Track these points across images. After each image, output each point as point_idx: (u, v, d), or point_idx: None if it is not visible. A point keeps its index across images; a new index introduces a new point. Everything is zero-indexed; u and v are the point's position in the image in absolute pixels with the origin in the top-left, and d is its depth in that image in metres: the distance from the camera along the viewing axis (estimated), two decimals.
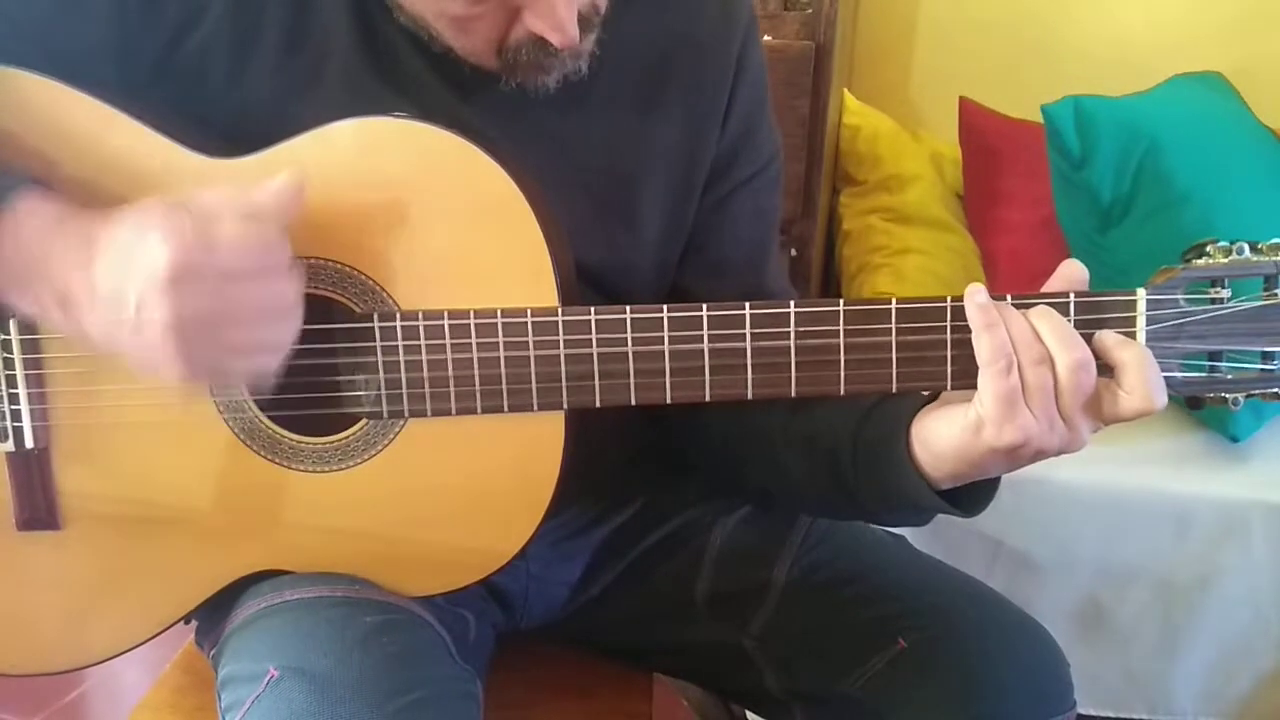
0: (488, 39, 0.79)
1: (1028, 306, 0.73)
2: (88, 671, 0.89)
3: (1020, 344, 0.71)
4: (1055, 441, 0.72)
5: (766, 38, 1.75)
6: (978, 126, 2.01)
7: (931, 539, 1.56)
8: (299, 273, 0.72)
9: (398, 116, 0.77)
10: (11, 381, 0.80)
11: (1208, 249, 0.74)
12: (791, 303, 0.75)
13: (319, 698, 0.72)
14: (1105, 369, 0.72)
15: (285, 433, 0.81)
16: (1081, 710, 0.91)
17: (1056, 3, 2.09)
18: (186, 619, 0.88)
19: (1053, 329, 0.71)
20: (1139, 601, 1.57)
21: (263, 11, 0.81)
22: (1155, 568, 1.55)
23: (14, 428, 0.80)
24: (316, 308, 0.78)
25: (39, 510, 0.82)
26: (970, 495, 0.79)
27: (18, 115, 0.77)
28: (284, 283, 0.71)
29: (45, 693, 1.56)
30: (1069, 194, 1.77)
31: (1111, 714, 1.62)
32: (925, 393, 0.79)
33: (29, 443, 0.81)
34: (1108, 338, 0.73)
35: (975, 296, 0.72)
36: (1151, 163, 1.69)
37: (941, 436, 0.75)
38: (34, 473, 0.81)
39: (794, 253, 1.85)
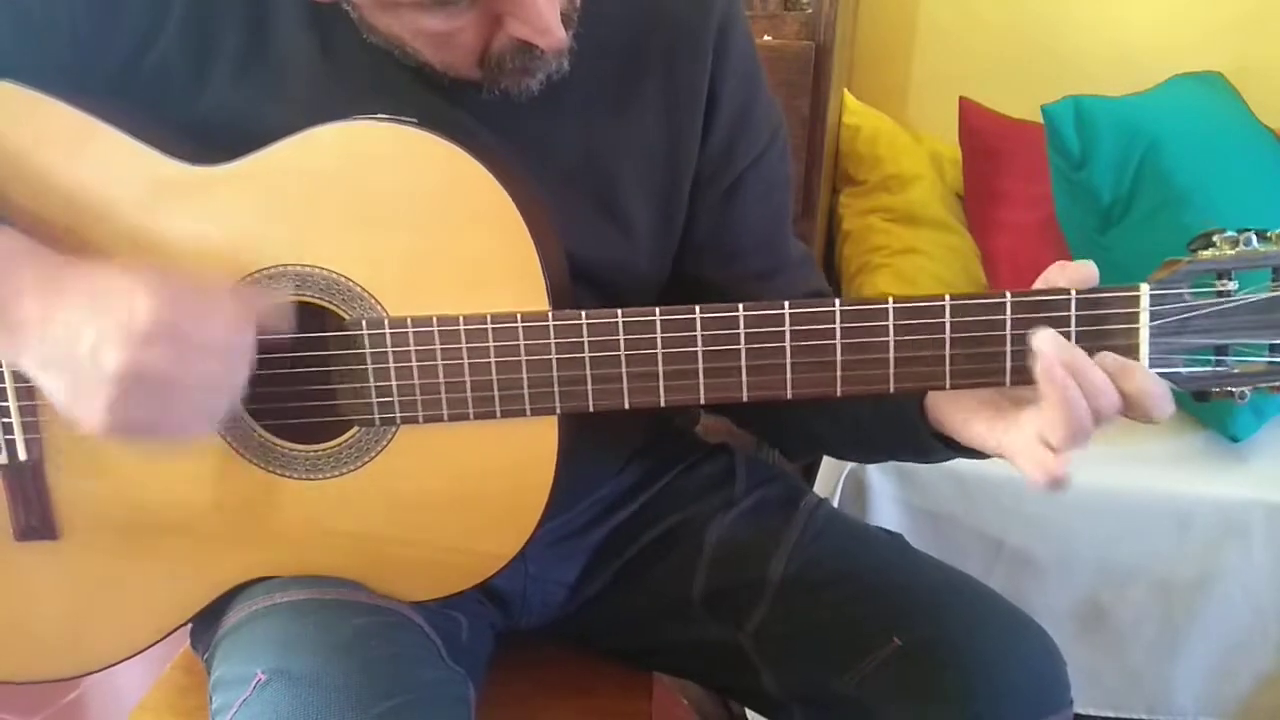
0: (469, 51, 0.78)
1: (1029, 304, 0.73)
2: None
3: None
4: None
5: (766, 38, 1.75)
6: (978, 126, 2.01)
7: (931, 538, 1.56)
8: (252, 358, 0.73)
9: (380, 120, 0.76)
10: (1, 395, 0.80)
11: (1214, 239, 0.72)
12: (786, 304, 0.74)
13: (304, 701, 0.72)
14: None
15: (277, 440, 0.81)
16: (1081, 710, 0.91)
17: (1057, 3, 2.09)
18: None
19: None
20: (1139, 601, 1.57)
21: (217, 33, 0.81)
22: (1155, 568, 1.55)
23: (5, 440, 0.80)
24: (305, 315, 0.78)
25: (35, 520, 0.82)
26: None
27: None
28: (244, 365, 0.71)
29: (45, 693, 1.56)
30: (1069, 194, 1.77)
31: (1111, 714, 1.61)
32: None
33: (21, 455, 0.81)
34: (1110, 365, 0.71)
35: (1052, 367, 0.70)
36: (1151, 163, 1.69)
37: (959, 434, 0.78)
38: (29, 484, 0.81)
39: None
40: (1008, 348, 0.73)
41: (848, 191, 2.11)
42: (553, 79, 0.81)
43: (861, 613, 0.89)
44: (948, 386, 0.75)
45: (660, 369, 0.76)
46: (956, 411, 0.78)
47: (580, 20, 0.81)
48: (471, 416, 0.78)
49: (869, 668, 0.87)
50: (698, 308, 0.75)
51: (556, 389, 0.77)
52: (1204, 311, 0.72)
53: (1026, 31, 2.10)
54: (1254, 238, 0.72)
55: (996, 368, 0.74)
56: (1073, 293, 0.72)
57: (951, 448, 0.81)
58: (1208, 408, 1.60)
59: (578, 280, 0.83)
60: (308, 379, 0.79)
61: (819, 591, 0.92)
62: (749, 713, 1.10)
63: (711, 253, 0.93)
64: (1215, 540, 1.53)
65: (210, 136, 0.79)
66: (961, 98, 2.02)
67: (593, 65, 0.84)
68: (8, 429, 0.80)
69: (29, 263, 0.71)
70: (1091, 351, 0.71)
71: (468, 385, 0.77)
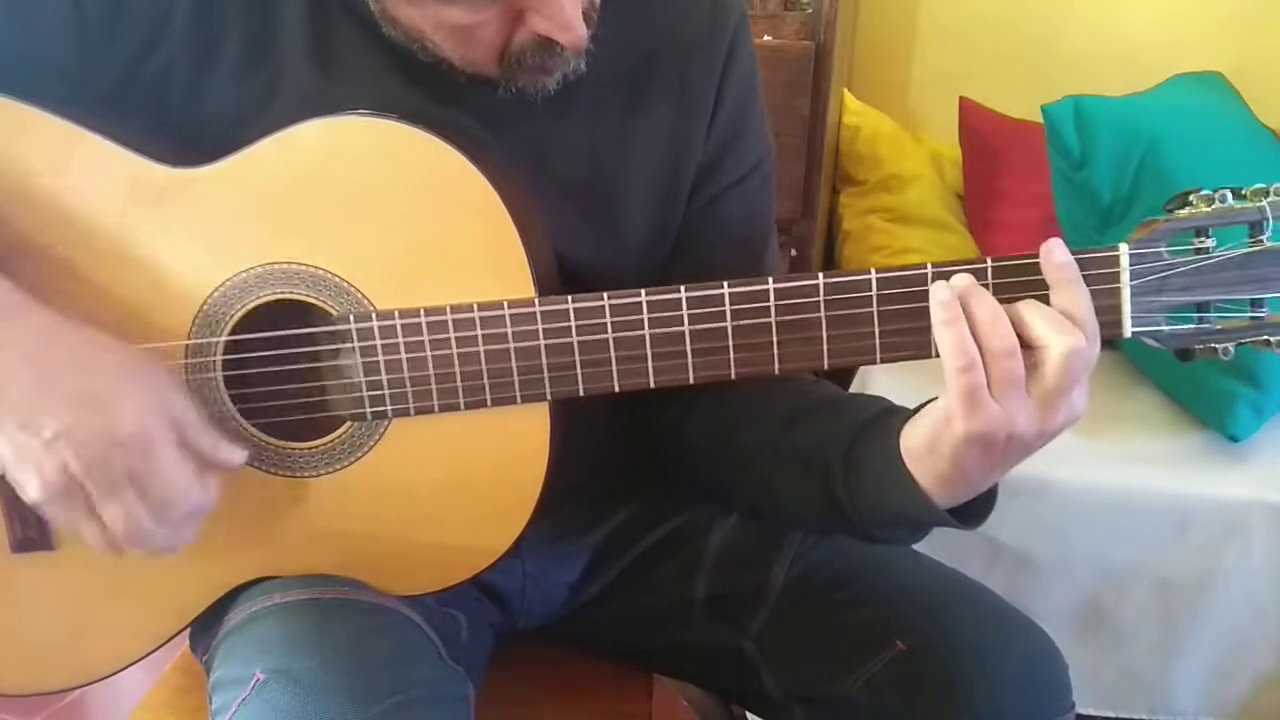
0: (490, 46, 0.78)
1: (1011, 269, 0.73)
2: None
3: (984, 336, 0.70)
4: (1033, 428, 0.71)
5: (766, 38, 1.75)
6: (978, 126, 2.01)
7: (931, 540, 1.54)
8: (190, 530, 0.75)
9: (361, 115, 0.77)
10: None
11: (1190, 198, 0.72)
12: (770, 279, 0.75)
13: (304, 700, 0.72)
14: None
15: (271, 439, 0.81)
16: (1081, 710, 0.90)
17: (1057, 2, 2.10)
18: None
19: (1045, 319, 0.70)
20: (1139, 601, 1.57)
21: (221, 34, 0.81)
22: (1155, 568, 1.55)
23: None
24: (293, 312, 0.78)
25: (32, 531, 0.81)
26: (967, 508, 0.78)
27: None
28: (187, 531, 0.75)
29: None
30: (1069, 194, 1.77)
31: (1111, 714, 1.61)
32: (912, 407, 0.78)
33: None
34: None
35: (937, 294, 0.71)
36: (1151, 163, 1.68)
37: (916, 432, 0.75)
38: None
39: (794, 253, 1.86)
40: None
41: (848, 191, 2.12)
42: (569, 78, 0.80)
43: (865, 616, 0.89)
44: (933, 355, 0.74)
45: (649, 350, 0.77)
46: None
47: (595, 29, 0.80)
48: (462, 406, 0.78)
49: (872, 670, 0.86)
50: (683, 288, 0.76)
51: (546, 375, 0.77)
52: (1183, 269, 0.72)
53: (1026, 31, 2.11)
54: (1229, 195, 0.72)
55: None
56: None
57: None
58: (1207, 407, 1.60)
59: (564, 283, 0.83)
60: (298, 376, 0.79)
61: (822, 595, 0.92)
62: (748, 715, 1.10)
63: (686, 264, 0.92)
64: (1215, 540, 1.52)
65: (206, 139, 0.79)
66: (961, 97, 2.02)
67: (604, 74, 0.84)
68: None
69: (46, 335, 0.71)
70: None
71: (457, 375, 0.77)
